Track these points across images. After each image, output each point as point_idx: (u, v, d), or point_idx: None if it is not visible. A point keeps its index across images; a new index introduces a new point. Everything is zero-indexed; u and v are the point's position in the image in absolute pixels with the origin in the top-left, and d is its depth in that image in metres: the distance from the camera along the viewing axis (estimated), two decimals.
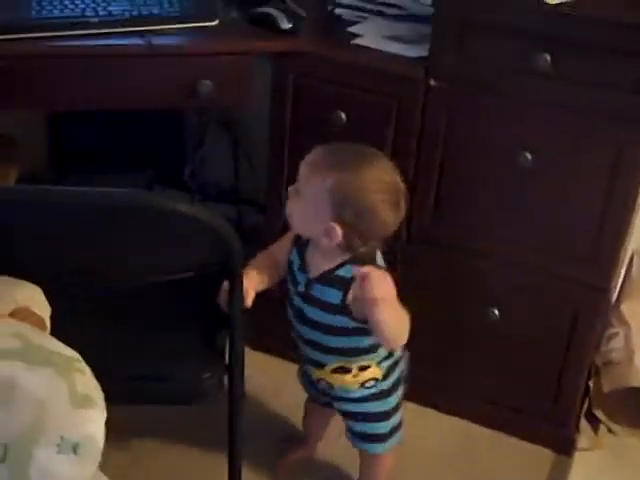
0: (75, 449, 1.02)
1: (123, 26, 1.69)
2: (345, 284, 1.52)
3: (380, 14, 1.85)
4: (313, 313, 1.58)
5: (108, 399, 1.09)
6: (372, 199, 1.45)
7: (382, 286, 1.46)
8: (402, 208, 1.49)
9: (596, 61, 1.57)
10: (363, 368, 1.61)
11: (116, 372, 1.12)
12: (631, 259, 2.09)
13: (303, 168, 1.50)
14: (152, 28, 1.70)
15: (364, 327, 1.53)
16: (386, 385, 1.65)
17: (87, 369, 1.09)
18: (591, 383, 1.96)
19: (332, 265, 1.54)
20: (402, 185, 1.49)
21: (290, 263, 1.61)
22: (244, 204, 2.41)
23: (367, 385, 1.63)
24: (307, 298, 1.58)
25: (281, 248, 1.64)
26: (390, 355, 1.63)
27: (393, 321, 1.48)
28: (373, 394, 1.64)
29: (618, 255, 1.75)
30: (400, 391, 1.69)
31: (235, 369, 1.49)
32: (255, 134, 2.25)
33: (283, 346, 2.01)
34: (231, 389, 1.51)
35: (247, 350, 1.52)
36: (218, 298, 1.48)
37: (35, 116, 2.34)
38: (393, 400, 1.67)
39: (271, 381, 2.06)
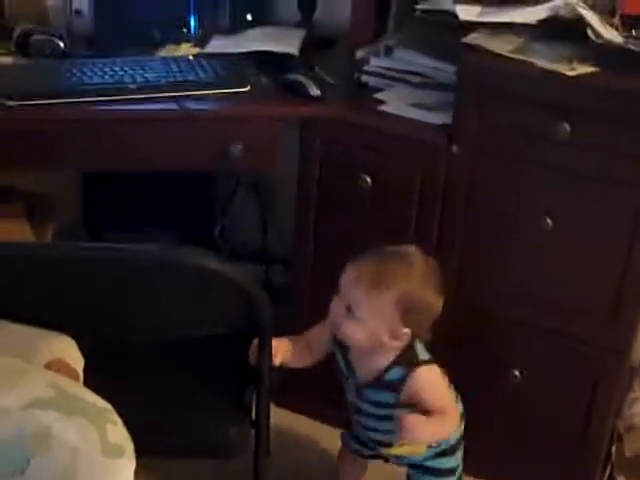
0: None
1: (159, 92, 1.76)
2: (396, 387, 1.57)
3: (405, 82, 1.89)
4: (371, 410, 1.63)
5: (136, 451, 1.12)
6: (431, 296, 1.52)
7: (429, 394, 1.55)
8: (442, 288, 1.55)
9: (614, 130, 1.61)
10: None
11: (145, 425, 1.14)
12: None
13: (351, 289, 1.51)
14: (187, 94, 1.76)
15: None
16: (453, 441, 1.68)
17: (119, 420, 1.12)
18: (614, 448, 1.95)
19: (380, 367, 1.57)
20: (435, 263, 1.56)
21: (335, 356, 1.65)
22: (272, 263, 2.45)
23: (434, 445, 1.66)
24: (361, 398, 1.62)
25: (316, 338, 1.65)
26: None
27: (441, 434, 1.56)
28: (441, 451, 1.67)
29: (637, 319, 1.77)
30: (461, 449, 1.72)
31: (261, 425, 1.52)
32: (283, 195, 2.31)
33: (309, 404, 2.04)
34: (257, 445, 1.53)
35: (273, 407, 1.55)
36: (249, 354, 1.50)
37: (71, 175, 2.42)
38: (459, 456, 1.71)
39: (296, 438, 2.08)
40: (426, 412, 1.54)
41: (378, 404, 1.61)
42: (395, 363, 1.57)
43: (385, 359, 1.57)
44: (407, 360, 1.57)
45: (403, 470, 1.77)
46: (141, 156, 1.80)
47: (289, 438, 2.06)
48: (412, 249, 1.56)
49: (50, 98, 1.71)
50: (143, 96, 1.75)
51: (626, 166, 1.64)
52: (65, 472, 1.03)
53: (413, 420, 1.51)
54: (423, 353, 1.59)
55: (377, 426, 1.65)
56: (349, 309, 1.51)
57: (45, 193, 2.08)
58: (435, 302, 1.53)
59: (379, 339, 1.53)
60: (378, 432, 1.67)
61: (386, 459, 1.77)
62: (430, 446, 1.65)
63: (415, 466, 1.71)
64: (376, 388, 1.59)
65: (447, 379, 1.64)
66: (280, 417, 1.88)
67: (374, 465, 1.85)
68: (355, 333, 1.53)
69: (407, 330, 1.52)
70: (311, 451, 2.01)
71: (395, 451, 1.67)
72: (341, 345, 1.62)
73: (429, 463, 1.69)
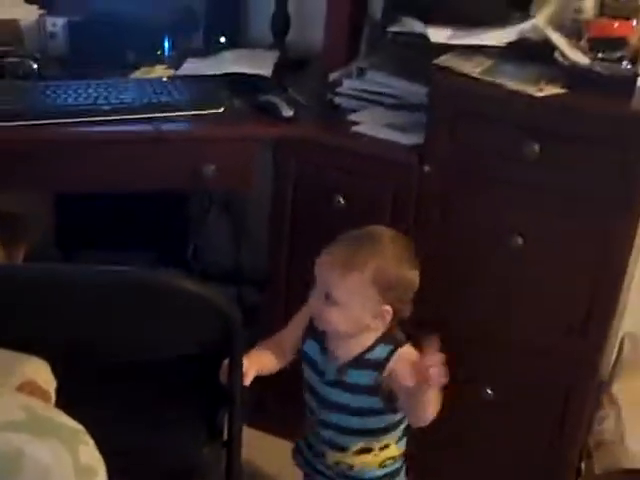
0: None
1: (133, 113, 1.77)
2: (379, 366, 1.56)
3: (378, 103, 1.92)
4: (341, 397, 1.60)
5: (107, 472, 1.12)
6: (406, 270, 1.53)
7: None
8: (417, 261, 1.56)
9: (582, 150, 1.64)
10: (384, 447, 1.65)
11: (115, 445, 1.13)
12: (622, 342, 2.13)
13: (326, 276, 1.51)
14: (161, 115, 1.78)
15: (390, 406, 1.57)
16: (398, 464, 1.69)
17: (90, 441, 1.12)
18: (583, 465, 1.97)
19: (362, 348, 1.57)
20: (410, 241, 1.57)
21: (305, 354, 1.63)
22: (245, 284, 2.46)
23: (386, 464, 1.66)
24: (338, 384, 1.60)
25: (289, 336, 1.66)
26: (404, 435, 1.67)
27: (435, 400, 1.49)
28: (390, 473, 1.67)
29: (606, 333, 1.79)
30: (404, 468, 1.71)
31: (233, 445, 1.51)
32: (256, 215, 2.32)
33: (280, 424, 2.04)
34: (228, 465, 1.52)
35: (245, 427, 1.53)
36: (219, 374, 1.49)
37: (42, 195, 2.41)
38: (402, 477, 1.70)
39: (269, 460, 2.07)
40: (405, 397, 1.51)
41: (355, 388, 1.58)
42: (380, 341, 1.56)
43: (367, 339, 1.56)
44: (393, 338, 1.57)
45: None
46: (115, 177, 1.80)
47: (264, 460, 2.06)
48: (381, 228, 1.57)
49: (24, 119, 1.72)
50: (117, 117, 1.76)
51: (594, 184, 1.66)
52: None
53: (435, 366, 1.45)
54: (400, 334, 1.59)
55: (341, 422, 1.62)
56: (327, 296, 1.51)
57: (16, 212, 2.07)
58: (411, 276, 1.53)
59: (362, 320, 1.53)
60: (339, 432, 1.63)
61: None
62: (381, 465, 1.65)
63: None
64: (358, 367, 1.57)
65: None
66: (252, 437, 1.87)
67: None
68: (337, 318, 1.52)
69: (388, 307, 1.52)
70: (285, 473, 2.00)
71: (349, 459, 1.65)
72: (316, 335, 1.60)
73: None
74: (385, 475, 1.67)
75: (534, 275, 1.78)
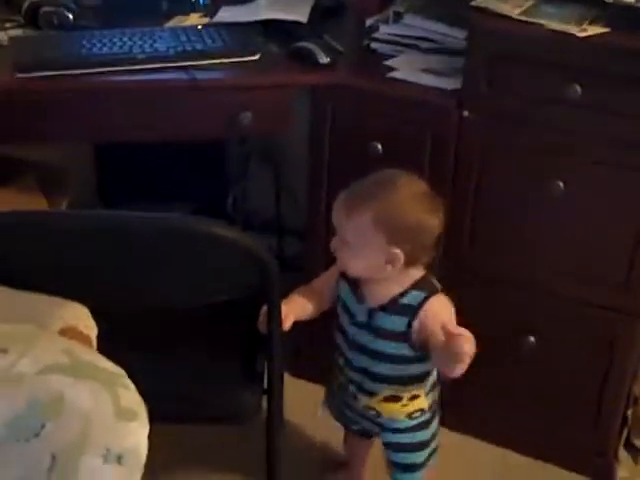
0: (119, 460, 1.05)
1: (168, 62, 1.76)
2: (411, 312, 1.55)
3: (415, 48, 1.89)
4: (371, 341, 1.60)
5: (149, 417, 1.12)
6: (414, 213, 1.50)
7: (447, 318, 1.51)
8: (440, 210, 1.53)
9: (625, 91, 1.60)
10: (413, 397, 1.64)
11: (157, 391, 1.14)
12: None
13: (337, 217, 1.53)
14: (196, 63, 1.77)
15: (421, 354, 1.56)
16: (429, 415, 1.68)
17: (131, 385, 1.13)
18: (630, 412, 1.96)
19: (395, 293, 1.56)
20: (429, 189, 1.54)
21: (339, 297, 1.64)
22: (286, 234, 2.46)
23: (414, 416, 1.66)
24: (367, 327, 1.60)
25: (325, 283, 1.66)
26: (434, 387, 1.67)
27: (467, 355, 1.46)
28: (418, 424, 1.67)
29: None
30: (437, 419, 1.71)
31: (274, 391, 1.52)
32: (296, 165, 2.30)
33: (320, 372, 2.05)
34: (270, 411, 1.54)
35: (285, 376, 1.55)
36: (258, 322, 1.51)
37: (83, 149, 2.43)
38: (433, 428, 1.70)
39: (309, 407, 2.08)
40: (436, 346, 1.50)
41: (385, 333, 1.57)
42: (414, 287, 1.55)
43: (398, 286, 1.56)
44: (427, 286, 1.56)
45: None
46: (151, 126, 1.80)
47: (304, 407, 2.07)
48: (396, 172, 1.55)
49: (60, 69, 1.72)
50: (152, 66, 1.76)
51: (638, 127, 1.62)
52: (78, 434, 1.04)
53: (441, 304, 1.50)
54: (436, 282, 1.59)
55: (370, 366, 1.62)
56: (343, 240, 1.52)
57: (57, 166, 2.09)
58: (424, 219, 1.50)
59: (375, 264, 1.52)
60: (369, 376, 1.63)
61: (369, 435, 1.76)
62: (410, 416, 1.65)
63: (390, 445, 1.70)
64: (390, 312, 1.56)
65: None
66: (294, 386, 1.88)
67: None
68: (350, 261, 1.54)
69: (398, 251, 1.50)
70: (326, 420, 2.02)
71: (377, 405, 1.65)
72: (350, 278, 1.60)
73: (404, 439, 1.68)
74: (414, 426, 1.67)
75: (576, 223, 1.76)
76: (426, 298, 1.55)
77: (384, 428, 1.69)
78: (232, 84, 1.80)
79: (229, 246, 1.31)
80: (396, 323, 1.56)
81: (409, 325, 1.55)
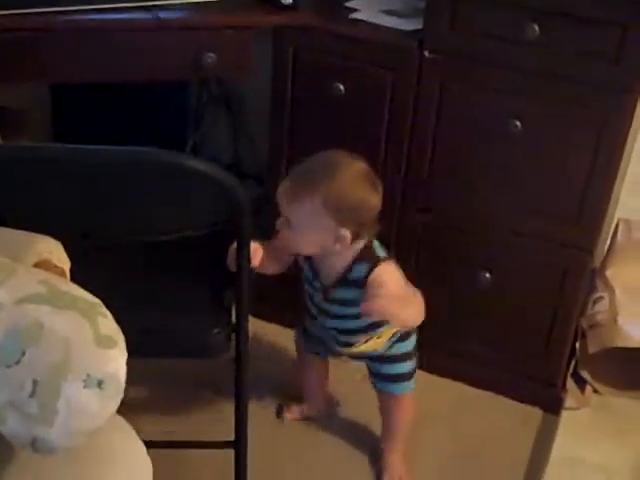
0: (100, 385, 1.07)
1: (131, 1, 1.75)
2: (360, 283, 1.61)
3: None
4: (334, 309, 1.68)
5: None
6: (358, 192, 1.55)
7: (392, 286, 1.57)
8: (379, 185, 1.58)
9: (582, 30, 1.64)
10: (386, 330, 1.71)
11: (127, 324, 1.16)
12: (616, 227, 2.17)
13: (283, 199, 1.56)
14: (160, 3, 1.76)
15: None
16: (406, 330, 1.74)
17: (109, 314, 1.15)
18: (577, 345, 2.04)
19: (342, 269, 1.62)
20: (368, 167, 1.58)
21: (302, 267, 1.69)
22: (244, 178, 2.47)
23: (392, 338, 1.73)
24: (328, 300, 1.67)
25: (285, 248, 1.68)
26: None
27: (413, 315, 1.58)
28: (399, 338, 1.74)
29: (601, 217, 1.83)
30: (415, 332, 1.77)
31: (241, 326, 1.54)
32: (254, 109, 2.31)
33: (280, 313, 2.09)
34: (237, 346, 1.56)
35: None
36: (227, 259, 1.53)
37: (39, 89, 2.38)
38: (413, 340, 1.77)
39: (270, 346, 2.14)
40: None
41: (344, 302, 1.65)
42: (356, 261, 1.61)
43: (343, 260, 1.61)
44: (368, 257, 1.61)
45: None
46: (112, 66, 1.79)
47: (264, 346, 2.12)
48: (337, 153, 1.58)
49: (16, 7, 1.69)
50: (115, 5, 1.74)
51: (593, 67, 1.67)
52: (59, 361, 1.06)
53: (380, 301, 1.54)
54: (380, 251, 1.64)
55: (340, 325, 1.70)
56: (291, 222, 1.56)
57: (14, 107, 2.06)
58: (367, 199, 1.56)
59: (323, 244, 1.57)
60: (341, 333, 1.72)
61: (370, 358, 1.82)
62: (389, 338, 1.72)
63: (373, 358, 1.77)
64: (342, 286, 1.64)
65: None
66: (255, 326, 1.92)
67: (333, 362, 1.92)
68: (297, 243, 1.59)
69: (345, 231, 1.55)
70: (284, 358, 2.07)
71: (357, 349, 1.73)
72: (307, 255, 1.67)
73: (387, 352, 1.75)
74: (397, 340, 1.74)
75: (532, 160, 1.80)
76: (370, 269, 1.60)
77: (367, 357, 1.77)
78: (195, 24, 1.80)
79: (200, 178, 1.31)
80: (352, 294, 1.62)
81: (362, 294, 1.59)
